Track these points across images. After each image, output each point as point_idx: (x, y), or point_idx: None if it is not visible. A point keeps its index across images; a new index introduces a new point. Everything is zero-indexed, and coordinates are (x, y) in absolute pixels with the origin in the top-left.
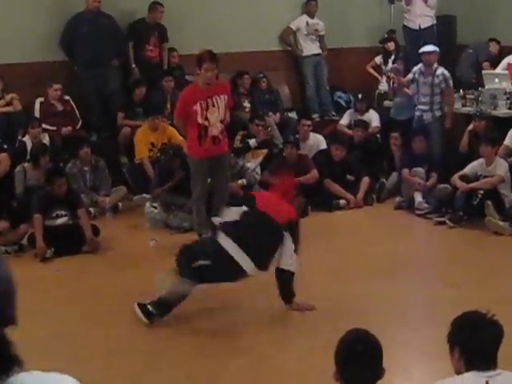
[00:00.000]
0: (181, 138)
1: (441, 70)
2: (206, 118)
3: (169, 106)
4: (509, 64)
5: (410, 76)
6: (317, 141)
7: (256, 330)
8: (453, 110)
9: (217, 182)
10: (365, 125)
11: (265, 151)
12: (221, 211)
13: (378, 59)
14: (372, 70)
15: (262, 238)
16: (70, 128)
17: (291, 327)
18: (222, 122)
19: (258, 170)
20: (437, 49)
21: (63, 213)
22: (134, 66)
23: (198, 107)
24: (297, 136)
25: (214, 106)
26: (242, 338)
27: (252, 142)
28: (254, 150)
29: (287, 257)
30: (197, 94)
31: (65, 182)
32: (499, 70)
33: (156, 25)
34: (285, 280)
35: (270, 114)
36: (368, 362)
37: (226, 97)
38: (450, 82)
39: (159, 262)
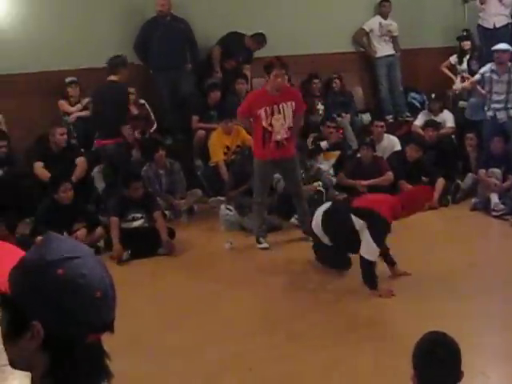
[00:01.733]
0: None
1: None
2: (271, 124)
3: None
4: None
5: (477, 77)
6: (391, 142)
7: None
8: None
9: (289, 185)
10: (436, 125)
11: (337, 153)
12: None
13: (453, 59)
14: (446, 70)
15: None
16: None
17: (364, 330)
18: (289, 129)
19: (332, 171)
20: (510, 47)
21: (139, 215)
22: (218, 70)
23: (262, 112)
24: (371, 137)
25: (279, 112)
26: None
27: (323, 144)
28: (326, 152)
29: (364, 245)
30: (263, 99)
31: (141, 185)
32: None
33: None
34: (361, 265)
35: (344, 115)
36: (448, 365)
37: (293, 103)
38: None
39: (234, 264)
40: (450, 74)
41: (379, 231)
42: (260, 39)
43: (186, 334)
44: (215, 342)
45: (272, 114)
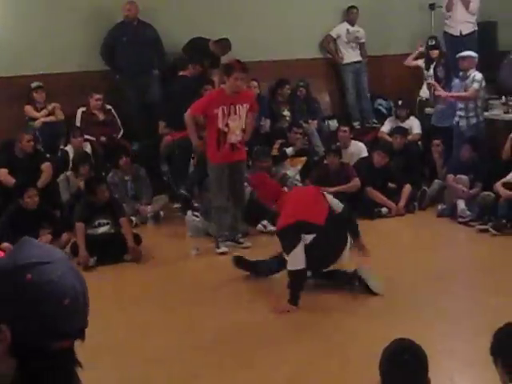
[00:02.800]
0: None
1: (474, 74)
2: (227, 125)
3: None
4: None
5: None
6: (358, 148)
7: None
8: (460, 97)
9: (234, 188)
10: (404, 131)
11: (303, 159)
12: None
13: (421, 62)
14: (412, 62)
15: None
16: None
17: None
18: (243, 131)
19: (298, 177)
20: (472, 54)
21: (105, 221)
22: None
23: (219, 112)
24: (338, 144)
25: (235, 113)
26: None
27: (289, 150)
28: (292, 158)
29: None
30: (222, 99)
31: (106, 188)
32: None
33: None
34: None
35: (310, 121)
36: (413, 371)
37: (248, 106)
38: (476, 84)
39: (201, 270)
40: (413, 63)
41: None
42: (224, 44)
43: (155, 341)
44: (185, 350)
45: (229, 114)
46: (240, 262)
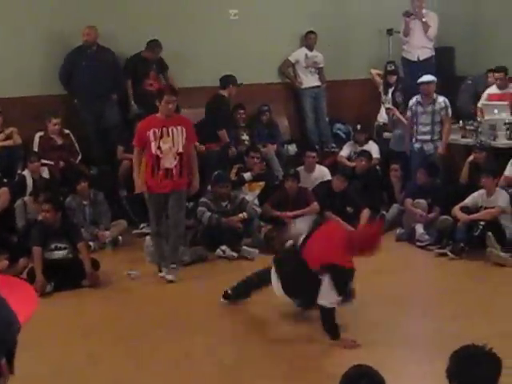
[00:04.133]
0: None
1: (442, 98)
2: (159, 147)
3: None
4: (489, 94)
5: (408, 113)
6: (322, 173)
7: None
8: (448, 138)
9: (172, 216)
10: (369, 155)
11: (261, 184)
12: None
13: (378, 79)
14: (376, 76)
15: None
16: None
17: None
18: (179, 154)
19: (256, 202)
20: (434, 78)
21: (62, 245)
22: (133, 102)
23: (151, 134)
24: (297, 169)
25: (168, 135)
26: None
27: (247, 175)
28: (250, 183)
29: (322, 293)
30: (152, 122)
31: (51, 207)
32: (482, 101)
33: (155, 58)
34: (321, 314)
35: (270, 145)
36: None
37: (184, 129)
38: (450, 111)
39: (159, 296)
40: (377, 78)
41: (342, 280)
42: (153, 45)
43: (112, 366)
44: (144, 376)
45: (161, 136)
46: (233, 294)
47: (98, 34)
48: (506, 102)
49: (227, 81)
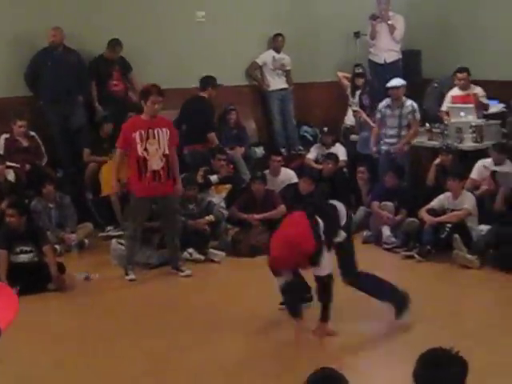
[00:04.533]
0: None
1: (410, 102)
2: (146, 149)
3: None
4: (452, 96)
5: (378, 116)
6: (288, 176)
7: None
8: (410, 140)
9: (168, 221)
10: (336, 158)
11: (228, 187)
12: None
13: (346, 82)
14: (343, 79)
15: None
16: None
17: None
18: (165, 156)
19: (223, 205)
20: (404, 82)
21: (27, 249)
22: (96, 104)
23: (137, 135)
24: (265, 171)
25: (154, 137)
26: None
27: (213, 177)
28: (217, 185)
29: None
30: (138, 124)
31: (16, 212)
32: (445, 104)
33: (117, 58)
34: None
35: (238, 148)
36: None
37: (168, 131)
38: (417, 115)
39: (125, 299)
40: (344, 81)
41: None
42: (113, 44)
43: (79, 371)
44: (110, 379)
45: (147, 138)
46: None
47: (64, 35)
48: (471, 105)
49: (207, 82)
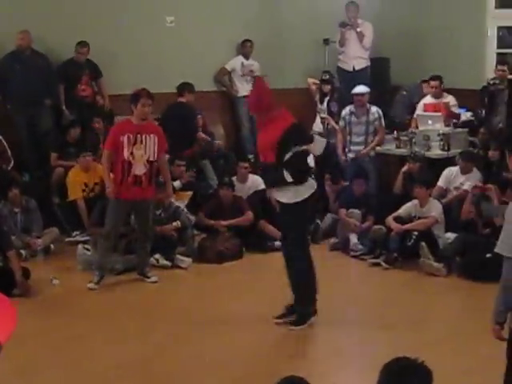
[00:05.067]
0: None
1: (375, 109)
2: (132, 153)
3: (101, 146)
4: (425, 104)
5: (341, 123)
6: (255, 182)
7: None
8: (376, 145)
9: (141, 226)
10: None
11: (189, 193)
12: None
13: (315, 88)
14: (312, 85)
15: None
16: None
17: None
18: (149, 162)
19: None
20: (368, 89)
21: None
22: (64, 108)
23: (125, 139)
24: (233, 178)
25: (141, 142)
26: None
27: (177, 183)
28: (178, 192)
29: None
30: (127, 127)
31: None
32: (418, 111)
33: (86, 62)
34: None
35: None
36: None
37: (156, 138)
38: (383, 121)
39: (91, 304)
40: (313, 87)
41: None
42: (80, 45)
43: (45, 377)
44: None
45: (134, 143)
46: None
47: (32, 38)
48: (439, 114)
49: (183, 88)
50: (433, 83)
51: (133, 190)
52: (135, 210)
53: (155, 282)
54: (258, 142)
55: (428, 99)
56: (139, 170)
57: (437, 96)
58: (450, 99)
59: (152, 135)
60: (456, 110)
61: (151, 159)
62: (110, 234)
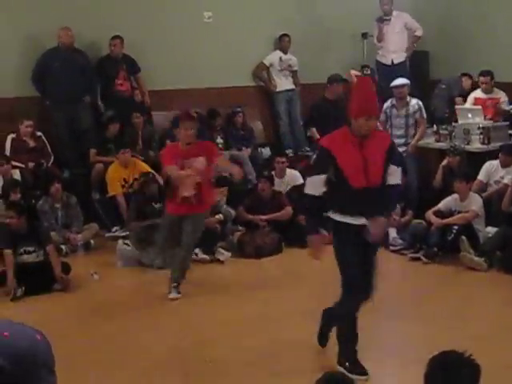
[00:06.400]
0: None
1: (415, 101)
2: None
3: (140, 142)
4: (475, 98)
5: (382, 117)
6: (293, 177)
7: None
8: (420, 139)
9: (185, 234)
10: None
11: (224, 189)
12: None
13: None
14: (354, 78)
15: None
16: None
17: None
18: (197, 184)
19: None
20: (407, 81)
21: (30, 249)
22: (99, 102)
23: (173, 164)
24: (272, 172)
25: (189, 168)
26: None
27: None
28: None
29: None
30: (175, 152)
31: (14, 213)
32: (468, 104)
33: (123, 57)
34: None
35: (244, 149)
36: None
37: (204, 159)
38: (424, 113)
39: (130, 300)
40: (355, 79)
41: None
42: (113, 37)
43: (84, 372)
44: (113, 380)
45: (182, 168)
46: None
47: (74, 35)
48: (479, 107)
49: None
50: (483, 79)
51: (182, 207)
52: (185, 222)
53: (173, 299)
54: (362, 161)
55: (478, 93)
56: (188, 192)
57: (487, 91)
58: (501, 95)
59: (200, 158)
60: (506, 106)
61: (199, 181)
62: (163, 248)
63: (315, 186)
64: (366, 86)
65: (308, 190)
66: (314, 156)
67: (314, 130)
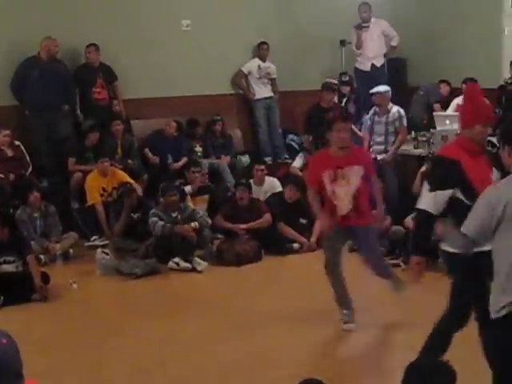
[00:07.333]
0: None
1: (396, 108)
2: (333, 192)
3: (119, 150)
4: (458, 105)
5: (368, 123)
6: (272, 184)
7: None
8: (398, 147)
9: (364, 254)
10: None
11: (206, 197)
12: None
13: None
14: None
15: None
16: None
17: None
18: (353, 199)
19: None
20: (388, 88)
21: (10, 259)
22: (78, 112)
23: (325, 176)
24: (250, 180)
25: (343, 178)
26: None
27: (187, 188)
28: (194, 196)
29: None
30: (327, 161)
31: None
32: (449, 111)
33: (100, 66)
34: None
35: (223, 156)
36: None
37: (361, 169)
38: (404, 121)
39: (110, 309)
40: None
41: None
42: (88, 45)
43: (57, 382)
44: None
45: (335, 179)
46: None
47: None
48: (456, 113)
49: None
50: (465, 86)
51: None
52: (354, 237)
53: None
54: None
55: (461, 100)
56: (346, 209)
57: None
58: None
59: (356, 167)
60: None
61: (355, 194)
62: (327, 263)
63: (437, 202)
64: (476, 92)
65: (425, 206)
66: (434, 168)
67: (306, 137)
